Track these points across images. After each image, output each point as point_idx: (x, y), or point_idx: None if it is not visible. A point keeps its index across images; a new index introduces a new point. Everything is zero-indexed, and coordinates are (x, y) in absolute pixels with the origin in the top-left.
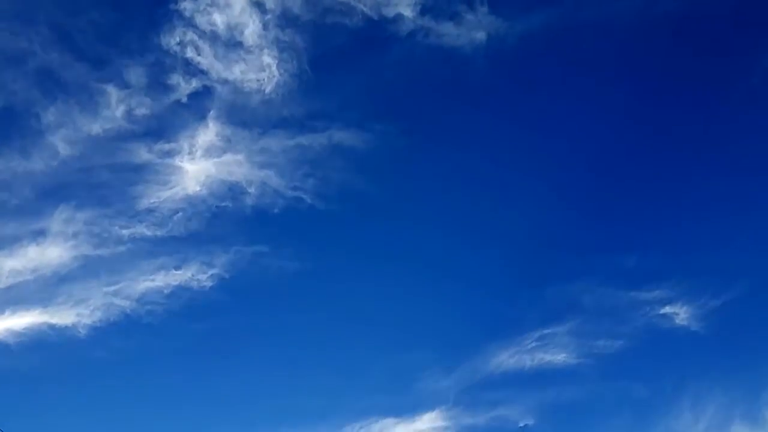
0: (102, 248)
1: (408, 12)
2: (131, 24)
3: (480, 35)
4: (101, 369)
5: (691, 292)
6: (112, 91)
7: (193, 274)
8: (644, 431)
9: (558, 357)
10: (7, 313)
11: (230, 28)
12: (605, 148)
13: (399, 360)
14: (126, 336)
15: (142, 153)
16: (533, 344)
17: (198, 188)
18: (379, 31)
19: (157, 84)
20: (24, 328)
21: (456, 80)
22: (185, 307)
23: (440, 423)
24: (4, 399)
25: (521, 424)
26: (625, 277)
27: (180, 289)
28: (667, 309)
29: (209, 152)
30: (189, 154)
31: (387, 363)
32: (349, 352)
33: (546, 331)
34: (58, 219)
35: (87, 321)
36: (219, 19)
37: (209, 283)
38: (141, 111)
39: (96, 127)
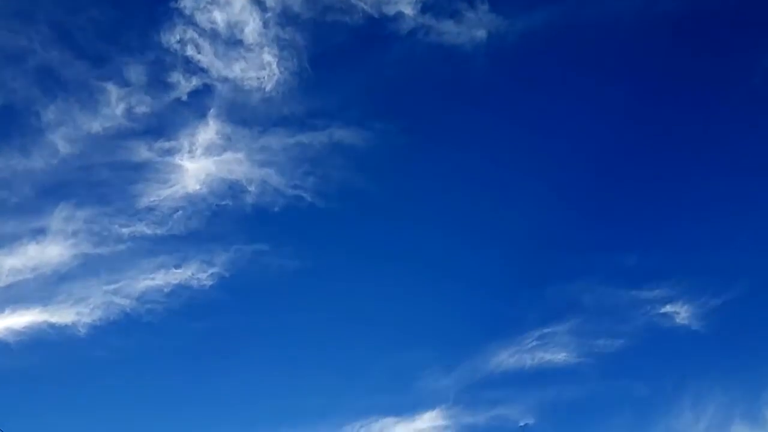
0: (102, 247)
1: (408, 10)
2: (131, 22)
3: (480, 33)
4: (101, 368)
5: (691, 291)
6: (112, 89)
7: (193, 273)
8: (645, 430)
9: (558, 356)
10: (6, 311)
11: (230, 26)
12: (605, 147)
13: (399, 359)
14: (126, 335)
15: (142, 151)
16: (533, 343)
17: (198, 187)
18: (379, 29)
19: (157, 82)
20: (24, 327)
21: (456, 78)
22: (185, 305)
23: (440, 422)
24: (4, 398)
25: (521, 424)
26: (625, 276)
27: (180, 288)
28: (668, 308)
29: (209, 150)
30: (189, 152)
31: (387, 362)
32: (349, 351)
33: (546, 330)
34: (58, 217)
35: (87, 320)
36: (219, 17)
37: (209, 282)
38: (141, 109)
39: (96, 126)
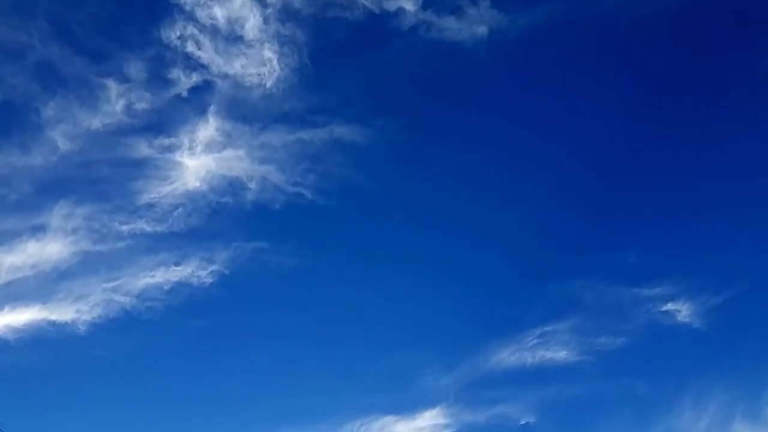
0: (102, 244)
1: (409, 6)
2: (131, 18)
3: (482, 30)
4: (101, 366)
5: (692, 289)
6: (112, 86)
7: (193, 270)
8: (645, 429)
9: (559, 354)
10: (6, 309)
11: (231, 22)
12: (606, 145)
13: (399, 357)
14: (126, 332)
15: (142, 148)
16: (534, 341)
17: (198, 184)
18: (380, 25)
19: (157, 78)
20: (23, 325)
21: (458, 75)
22: (185, 303)
23: (441, 420)
24: (4, 396)
25: (522, 422)
26: (626, 274)
27: (180, 286)
28: (669, 306)
29: (209, 147)
30: (189, 149)
31: (387, 360)
32: (349, 349)
33: (547, 329)
34: (57, 214)
35: (86, 317)
36: (219, 13)
37: (209, 280)
38: (141, 105)
39: (96, 122)
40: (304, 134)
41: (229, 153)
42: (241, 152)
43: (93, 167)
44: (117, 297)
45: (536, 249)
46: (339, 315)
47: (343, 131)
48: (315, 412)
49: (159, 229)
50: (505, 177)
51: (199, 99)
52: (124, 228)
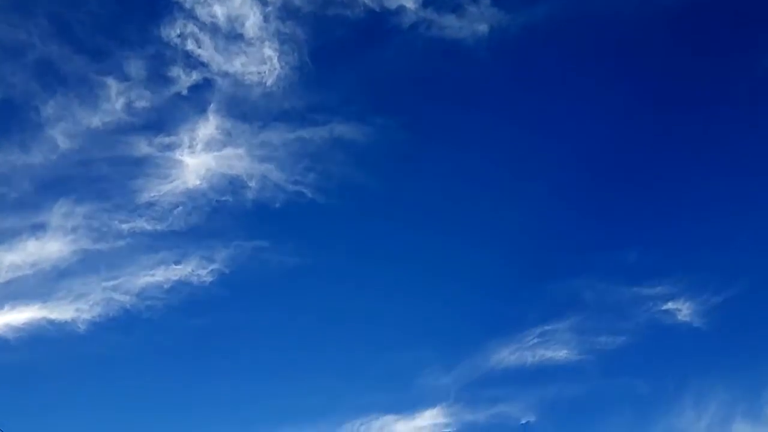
0: (101, 243)
1: (410, 4)
2: (131, 16)
3: (482, 27)
4: (100, 364)
5: (693, 288)
6: (112, 84)
7: (193, 269)
8: (646, 428)
9: (559, 353)
10: (6, 308)
11: (231, 20)
12: (607, 143)
13: (399, 356)
14: (125, 331)
15: (142, 146)
16: (534, 341)
17: (198, 182)
18: (380, 23)
19: (157, 76)
20: (23, 323)
21: (458, 73)
22: (185, 302)
23: (441, 420)
24: (3, 394)
25: (522, 421)
26: (626, 273)
27: (180, 284)
28: (670, 305)
29: (209, 146)
30: (189, 147)
31: (387, 359)
32: (349, 348)
33: (547, 328)
34: (57, 213)
35: (86, 316)
36: (219, 11)
37: (209, 278)
38: (141, 104)
39: (96, 120)
40: (305, 133)
41: (229, 151)
42: (241, 150)
43: (93, 166)
44: (117, 296)
45: (536, 248)
46: (339, 314)
47: (343, 129)
48: (315, 411)
49: (159, 227)
50: (506, 175)
51: (199, 97)
52: (124, 226)
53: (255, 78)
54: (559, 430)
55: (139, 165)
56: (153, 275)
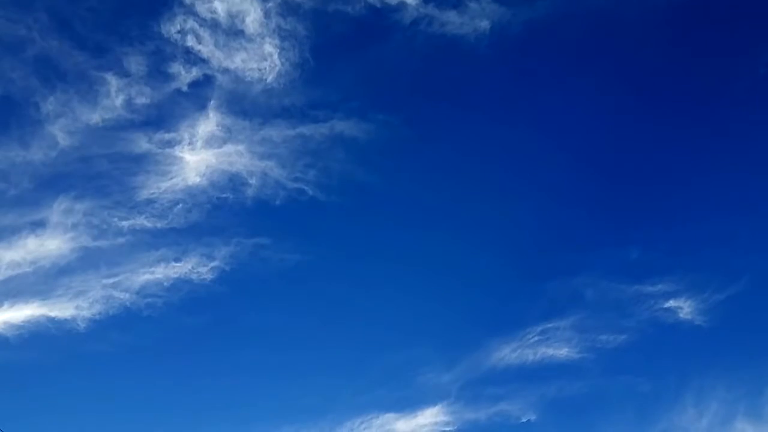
0: (101, 240)
1: (411, 0)
2: (131, 11)
3: (484, 24)
4: (100, 362)
5: (695, 286)
6: (112, 80)
7: (194, 267)
8: (647, 427)
9: (560, 351)
10: (5, 305)
11: (231, 16)
12: (609, 141)
13: (400, 354)
14: (125, 329)
15: (142, 143)
16: (535, 339)
17: (198, 179)
18: (381, 19)
19: (157, 73)
20: (23, 321)
21: (459, 70)
22: (185, 300)
23: (442, 418)
24: (3, 392)
25: (523, 420)
26: (628, 271)
27: (180, 282)
28: (671, 303)
29: (210, 142)
30: (189, 144)
31: (388, 357)
32: (350, 346)
33: (548, 326)
34: (57, 210)
35: (86, 314)
36: (220, 7)
37: (209, 276)
38: (141, 100)
39: (95, 117)
40: (305, 129)
41: (229, 148)
42: (241, 147)
43: (92, 162)
44: (117, 293)
45: (538, 246)
46: (340, 311)
47: (344, 126)
48: (315, 410)
49: (159, 224)
50: (507, 172)
51: (199, 93)
52: (124, 224)
53: (255, 74)
54: (561, 429)
55: (139, 162)
56: (153, 273)
